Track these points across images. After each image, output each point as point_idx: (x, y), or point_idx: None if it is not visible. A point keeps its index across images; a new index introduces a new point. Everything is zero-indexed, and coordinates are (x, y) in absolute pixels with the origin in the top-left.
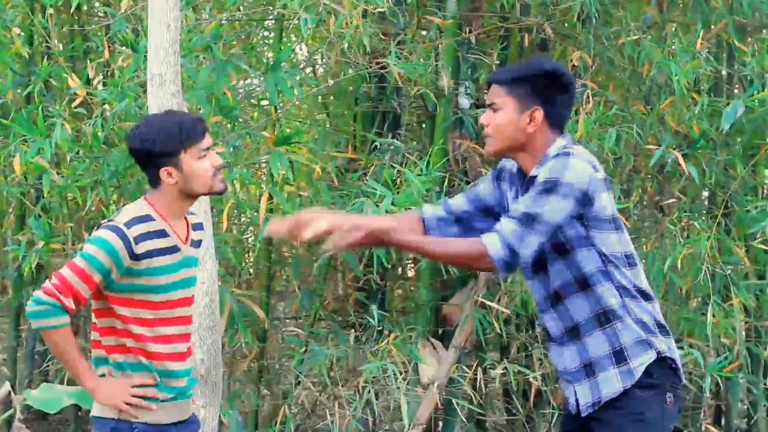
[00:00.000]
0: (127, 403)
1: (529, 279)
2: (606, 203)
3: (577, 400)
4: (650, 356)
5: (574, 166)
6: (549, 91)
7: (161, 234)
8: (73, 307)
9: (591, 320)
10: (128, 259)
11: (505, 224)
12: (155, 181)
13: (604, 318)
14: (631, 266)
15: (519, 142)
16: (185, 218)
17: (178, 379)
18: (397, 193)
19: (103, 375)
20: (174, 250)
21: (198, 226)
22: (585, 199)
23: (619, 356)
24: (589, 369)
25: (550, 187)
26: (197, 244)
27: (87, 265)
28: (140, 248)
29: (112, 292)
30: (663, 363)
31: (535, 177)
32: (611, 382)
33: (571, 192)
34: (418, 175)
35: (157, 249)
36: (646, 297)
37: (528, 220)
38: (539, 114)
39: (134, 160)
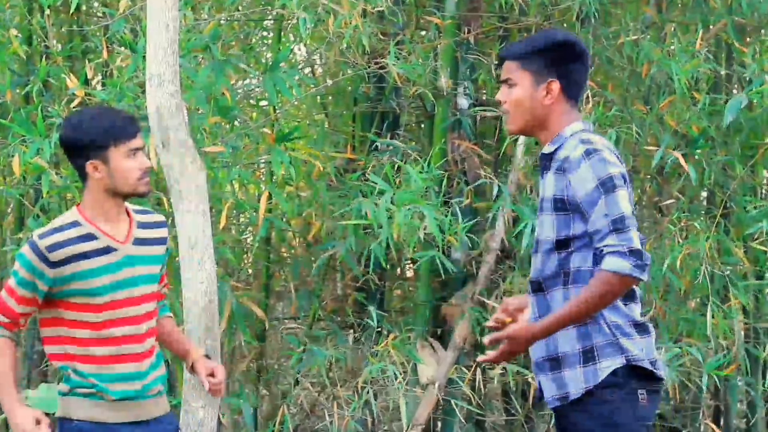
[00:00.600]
0: None
1: (532, 253)
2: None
3: (541, 391)
4: (618, 362)
5: (609, 159)
6: (563, 62)
7: (87, 238)
8: (4, 320)
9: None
10: (48, 268)
11: (609, 242)
12: (83, 175)
13: None
14: None
15: (539, 117)
16: (129, 216)
17: (125, 381)
18: (397, 189)
19: (63, 393)
20: (107, 250)
21: (156, 225)
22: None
23: (588, 355)
24: (554, 362)
25: (608, 186)
26: (152, 242)
27: (12, 279)
28: (57, 255)
29: (58, 298)
30: (632, 368)
31: (550, 155)
32: (577, 381)
33: (622, 181)
34: (420, 172)
35: (81, 253)
36: (627, 296)
37: (620, 222)
38: (556, 86)
39: (63, 150)
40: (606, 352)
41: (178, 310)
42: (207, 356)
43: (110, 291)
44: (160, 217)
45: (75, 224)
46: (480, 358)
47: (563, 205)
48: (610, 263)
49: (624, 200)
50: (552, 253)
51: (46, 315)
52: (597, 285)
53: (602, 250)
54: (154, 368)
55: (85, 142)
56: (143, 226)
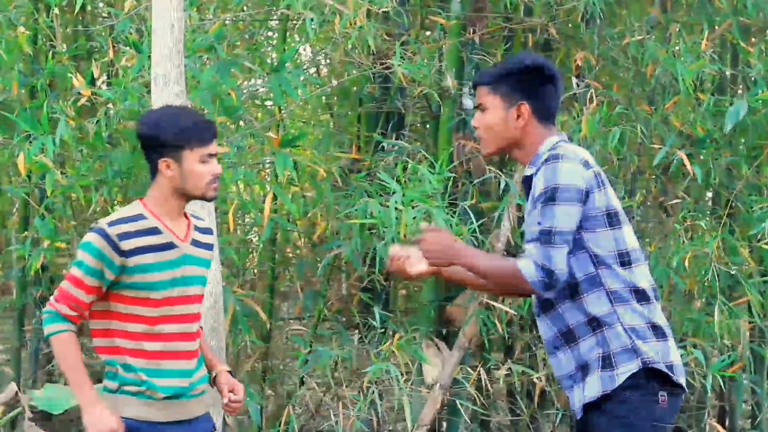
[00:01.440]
0: None
1: None
2: (598, 200)
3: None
4: (635, 365)
5: (566, 169)
6: (532, 85)
7: (152, 231)
8: (71, 312)
9: (583, 325)
10: (117, 256)
11: (530, 249)
12: (154, 171)
13: (596, 323)
14: (625, 265)
15: (512, 139)
16: (186, 217)
17: (173, 378)
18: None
19: (111, 390)
20: (169, 246)
21: (206, 231)
22: (585, 199)
23: (606, 361)
24: (585, 371)
25: (550, 196)
26: (205, 246)
27: (77, 270)
28: (126, 245)
29: (113, 291)
30: (649, 370)
31: (531, 177)
32: (594, 385)
33: (571, 197)
34: (432, 172)
35: (147, 246)
36: (642, 297)
37: (547, 236)
38: (525, 108)
39: (140, 144)
40: (623, 358)
41: None
42: (230, 372)
43: (168, 287)
44: (208, 224)
45: (140, 217)
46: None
47: None
48: (523, 263)
49: (562, 215)
50: None
51: (97, 307)
52: (507, 269)
53: (523, 252)
54: (200, 368)
55: (161, 140)
56: (198, 229)
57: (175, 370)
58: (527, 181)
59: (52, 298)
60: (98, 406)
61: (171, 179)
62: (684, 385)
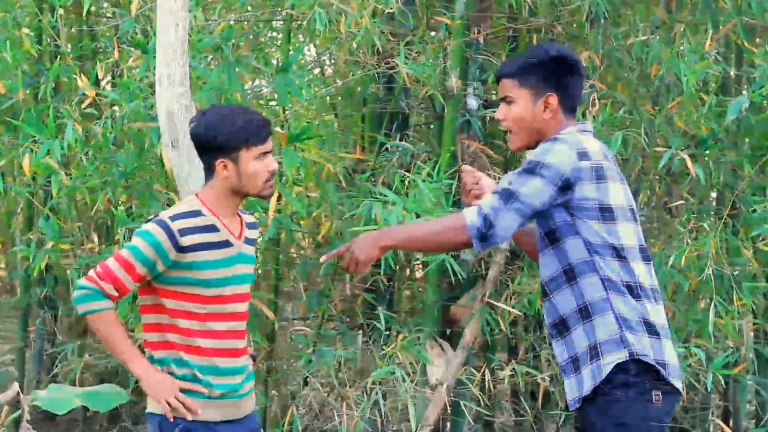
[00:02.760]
0: (169, 402)
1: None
2: (589, 192)
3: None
4: (621, 355)
5: (558, 150)
6: (559, 76)
7: (210, 229)
8: (114, 293)
9: (574, 314)
10: (174, 251)
11: (487, 198)
12: (209, 171)
13: (585, 312)
14: (620, 258)
15: (539, 132)
16: (239, 215)
17: (227, 376)
18: (406, 196)
19: None
20: (225, 244)
21: (252, 225)
22: (565, 185)
23: (594, 352)
24: (576, 363)
25: (531, 168)
26: (252, 242)
27: (130, 254)
28: (186, 241)
29: (161, 285)
30: (640, 363)
31: None
32: (587, 379)
33: (550, 176)
34: (431, 181)
35: (205, 243)
36: (638, 294)
37: (507, 196)
38: (554, 100)
39: (194, 144)
40: (608, 348)
41: None
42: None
43: (221, 285)
44: (254, 218)
45: (198, 213)
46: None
47: None
48: (469, 210)
49: (532, 188)
50: (546, 250)
51: (146, 301)
52: (444, 219)
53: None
54: (248, 365)
55: (217, 141)
56: (248, 225)
57: (229, 368)
58: None
59: (92, 273)
60: (154, 372)
61: (227, 179)
62: (680, 388)
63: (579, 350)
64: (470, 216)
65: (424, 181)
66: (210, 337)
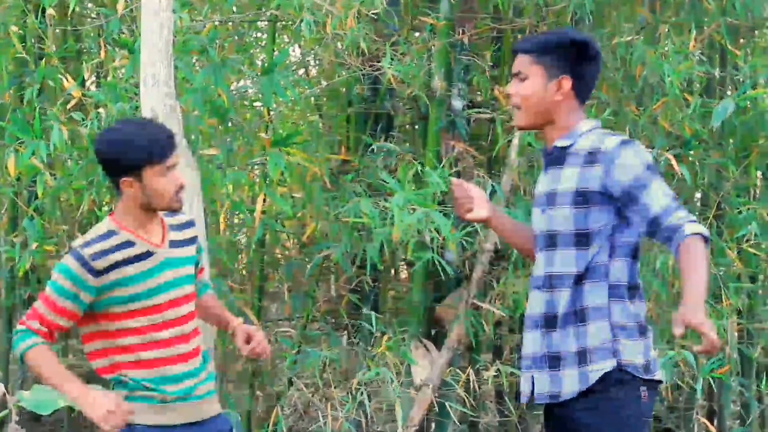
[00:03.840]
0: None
1: (538, 251)
2: None
3: (533, 388)
4: (608, 365)
5: (644, 149)
6: (577, 60)
7: (126, 245)
8: (41, 327)
9: (569, 315)
10: (91, 277)
11: (681, 214)
12: (117, 189)
13: (581, 316)
14: (634, 258)
15: (547, 112)
16: (161, 220)
17: (178, 382)
18: (389, 196)
19: (124, 398)
20: (146, 256)
21: (184, 226)
22: None
23: (582, 357)
24: (554, 360)
25: (655, 170)
26: (183, 243)
27: (51, 290)
28: (100, 264)
29: (98, 311)
30: (628, 368)
31: (563, 148)
32: (572, 381)
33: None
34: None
35: (122, 260)
36: (638, 295)
37: (678, 201)
38: (567, 82)
39: (98, 163)
40: (598, 356)
41: None
42: (246, 323)
43: (153, 295)
44: (187, 217)
45: (112, 233)
46: (697, 349)
47: (585, 198)
48: (696, 228)
49: (668, 186)
50: (569, 247)
51: (87, 330)
52: (698, 249)
53: (679, 221)
54: (203, 367)
55: (120, 161)
56: (174, 228)
57: (177, 375)
58: (556, 152)
59: (24, 317)
60: (89, 393)
61: (134, 196)
62: (661, 378)
63: (562, 349)
64: (701, 228)
65: (423, 173)
66: (154, 347)
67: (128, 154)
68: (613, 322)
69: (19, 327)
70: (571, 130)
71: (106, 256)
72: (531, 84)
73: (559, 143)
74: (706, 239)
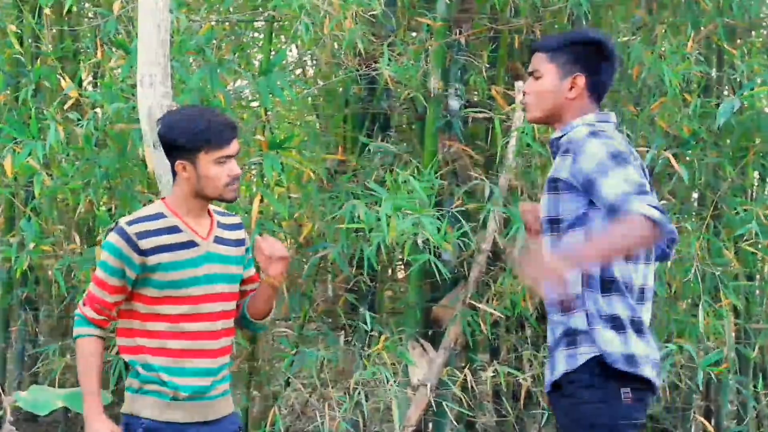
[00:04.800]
0: None
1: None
2: None
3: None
4: (589, 350)
5: (616, 140)
6: (592, 59)
7: (172, 230)
8: (96, 316)
9: (554, 303)
10: (136, 255)
11: (635, 202)
12: (174, 172)
13: (567, 305)
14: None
15: (558, 109)
16: (210, 215)
17: (195, 377)
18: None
19: (133, 390)
20: (190, 245)
21: (234, 227)
22: None
23: (571, 339)
24: (551, 350)
25: (621, 160)
26: (231, 242)
27: (100, 270)
28: (145, 244)
29: (134, 289)
30: (606, 367)
31: (557, 139)
32: (560, 363)
33: (631, 160)
34: (420, 180)
35: (167, 245)
36: (610, 289)
37: (642, 188)
38: (581, 80)
39: (161, 144)
40: (579, 340)
41: None
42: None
43: (189, 285)
44: (238, 219)
45: (161, 215)
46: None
47: (555, 185)
48: (640, 208)
49: (637, 176)
50: (546, 233)
51: (122, 307)
52: (633, 224)
53: (629, 206)
54: (225, 368)
55: (177, 143)
56: (223, 226)
57: (198, 369)
58: (553, 144)
59: (81, 301)
60: (97, 417)
61: (188, 180)
62: (652, 378)
63: (556, 334)
64: (648, 210)
65: (415, 178)
66: (180, 338)
67: (185, 136)
68: (589, 311)
69: (77, 311)
70: (569, 123)
71: (151, 237)
72: (545, 81)
73: (554, 135)
74: (654, 222)
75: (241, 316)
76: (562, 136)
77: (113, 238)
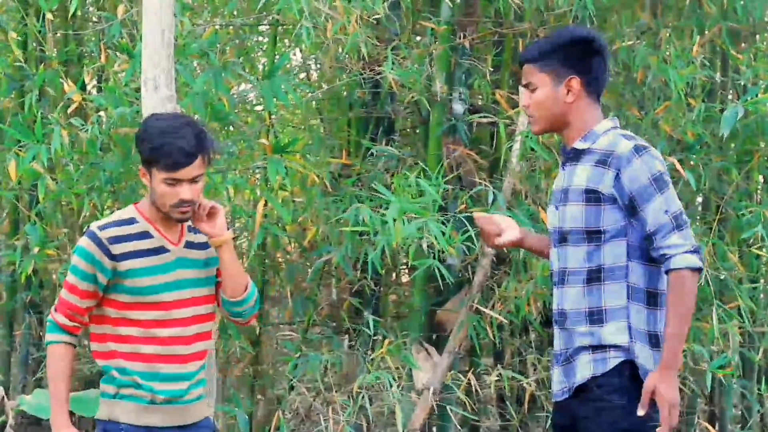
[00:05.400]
0: None
1: (552, 247)
2: None
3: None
4: (623, 357)
5: (659, 157)
6: (582, 58)
7: (143, 236)
8: (67, 322)
9: (581, 312)
10: (107, 260)
11: (674, 240)
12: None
13: (598, 316)
14: (652, 261)
15: (562, 117)
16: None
17: (170, 382)
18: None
19: (109, 395)
20: (160, 251)
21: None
22: None
23: (596, 349)
24: (568, 357)
25: (663, 183)
26: (200, 246)
27: (71, 275)
28: (116, 249)
29: (104, 295)
30: (637, 371)
31: (581, 151)
32: (584, 368)
33: (669, 178)
34: (429, 183)
35: (137, 250)
36: (655, 302)
37: (679, 219)
38: (576, 82)
39: None
40: (613, 352)
41: None
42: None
43: (160, 291)
44: None
45: (132, 221)
46: None
47: (596, 197)
48: (685, 260)
49: (676, 197)
50: (580, 244)
51: (93, 312)
52: (682, 286)
53: (668, 251)
54: (199, 372)
55: (139, 149)
56: (193, 230)
57: (172, 374)
58: (574, 153)
59: (53, 307)
60: (65, 428)
61: (148, 188)
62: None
63: (577, 345)
64: (691, 261)
65: (425, 180)
66: (153, 343)
67: (143, 147)
68: (632, 324)
69: (49, 318)
70: (589, 131)
71: (123, 242)
72: (541, 93)
73: (578, 145)
74: (697, 269)
75: (222, 303)
76: (588, 145)
77: (85, 242)
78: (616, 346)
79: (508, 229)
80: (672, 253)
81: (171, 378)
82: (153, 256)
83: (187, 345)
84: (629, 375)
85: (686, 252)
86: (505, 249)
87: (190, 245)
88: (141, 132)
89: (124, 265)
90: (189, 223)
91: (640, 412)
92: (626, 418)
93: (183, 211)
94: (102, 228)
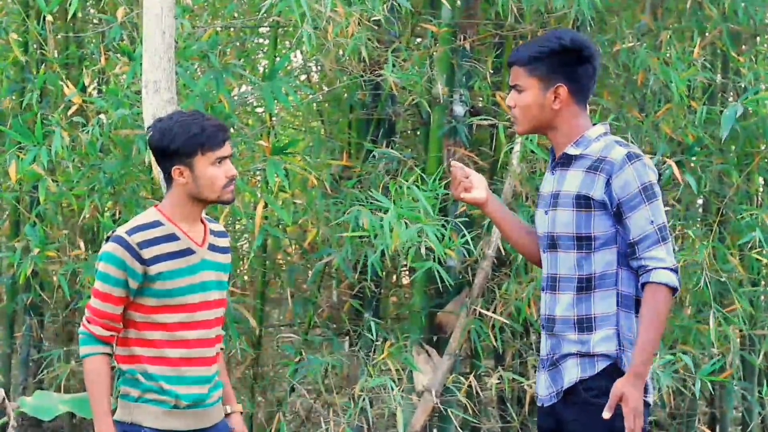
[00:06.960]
0: None
1: (542, 252)
2: None
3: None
4: (611, 363)
5: (650, 165)
6: (570, 65)
7: (170, 238)
8: (104, 332)
9: (571, 319)
10: (139, 264)
11: (658, 253)
12: (168, 179)
13: (587, 324)
14: None
15: (547, 122)
16: (203, 222)
17: (194, 385)
18: (393, 203)
19: (132, 399)
20: (187, 252)
21: (222, 234)
22: None
23: (584, 355)
24: (554, 363)
25: (651, 193)
26: (221, 249)
27: (102, 284)
28: (146, 253)
29: (132, 299)
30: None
31: (573, 156)
32: (572, 371)
33: (659, 189)
34: (424, 189)
35: (166, 253)
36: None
37: (663, 232)
38: (563, 90)
39: (152, 154)
40: (602, 359)
41: None
42: (241, 413)
43: (187, 293)
44: (222, 227)
45: (157, 223)
46: None
47: (587, 203)
48: (667, 276)
49: (662, 209)
50: (570, 250)
51: None
52: (658, 300)
53: (651, 262)
54: (217, 374)
55: (171, 149)
56: (214, 233)
57: (197, 377)
58: (565, 158)
59: (84, 319)
60: None
61: (185, 185)
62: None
63: (564, 352)
64: (670, 278)
65: (418, 187)
66: (179, 346)
67: (179, 141)
68: (620, 331)
69: (82, 329)
70: (581, 136)
71: (152, 246)
72: (528, 96)
73: (570, 151)
74: (673, 289)
75: None
76: (581, 151)
77: (112, 247)
78: (604, 355)
79: (478, 186)
80: (654, 266)
81: (196, 381)
82: (180, 258)
83: (211, 347)
84: (617, 377)
85: (667, 269)
86: (501, 250)
87: (213, 248)
88: (165, 131)
89: (154, 269)
90: (211, 226)
91: (606, 415)
92: (614, 421)
93: (232, 189)
94: (129, 233)
